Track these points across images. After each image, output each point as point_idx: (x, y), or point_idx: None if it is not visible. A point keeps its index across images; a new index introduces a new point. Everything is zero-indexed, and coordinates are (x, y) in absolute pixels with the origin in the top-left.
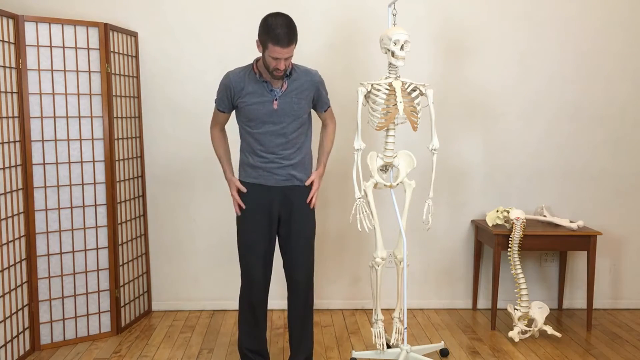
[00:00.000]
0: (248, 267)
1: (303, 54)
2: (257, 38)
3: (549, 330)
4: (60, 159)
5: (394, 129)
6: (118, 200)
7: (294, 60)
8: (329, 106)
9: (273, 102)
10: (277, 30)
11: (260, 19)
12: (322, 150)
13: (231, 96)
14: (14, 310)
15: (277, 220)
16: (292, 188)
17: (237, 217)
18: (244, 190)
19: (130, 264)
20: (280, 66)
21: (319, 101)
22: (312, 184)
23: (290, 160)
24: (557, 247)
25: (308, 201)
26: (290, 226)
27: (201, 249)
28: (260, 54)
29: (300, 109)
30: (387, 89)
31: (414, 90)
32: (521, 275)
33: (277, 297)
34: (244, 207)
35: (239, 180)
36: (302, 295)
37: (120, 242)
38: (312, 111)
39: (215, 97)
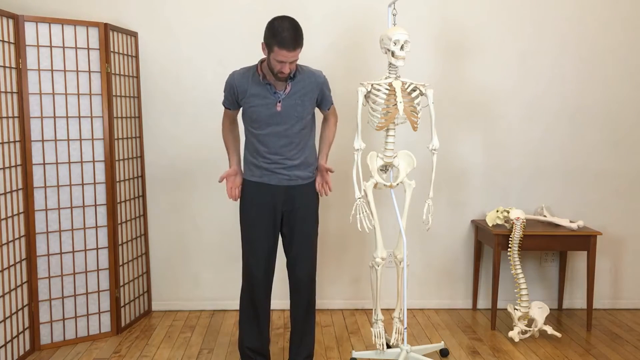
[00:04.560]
0: (250, 265)
1: (303, 54)
2: (262, 40)
3: (549, 330)
4: (60, 159)
5: (394, 129)
6: (118, 200)
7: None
8: (332, 104)
9: (276, 105)
10: (284, 33)
11: (262, 19)
12: (323, 141)
13: (235, 96)
14: (14, 310)
15: (280, 219)
16: (295, 187)
17: (241, 216)
18: (239, 182)
19: (130, 264)
20: (284, 69)
21: (323, 101)
22: (316, 180)
23: (293, 161)
24: (557, 247)
25: (318, 188)
26: (293, 225)
27: (201, 249)
28: (264, 56)
29: (303, 111)
30: (387, 89)
31: (414, 90)
32: (521, 275)
33: (278, 297)
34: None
35: (244, 178)
36: (304, 295)
37: (120, 242)
38: (316, 109)
39: (223, 98)
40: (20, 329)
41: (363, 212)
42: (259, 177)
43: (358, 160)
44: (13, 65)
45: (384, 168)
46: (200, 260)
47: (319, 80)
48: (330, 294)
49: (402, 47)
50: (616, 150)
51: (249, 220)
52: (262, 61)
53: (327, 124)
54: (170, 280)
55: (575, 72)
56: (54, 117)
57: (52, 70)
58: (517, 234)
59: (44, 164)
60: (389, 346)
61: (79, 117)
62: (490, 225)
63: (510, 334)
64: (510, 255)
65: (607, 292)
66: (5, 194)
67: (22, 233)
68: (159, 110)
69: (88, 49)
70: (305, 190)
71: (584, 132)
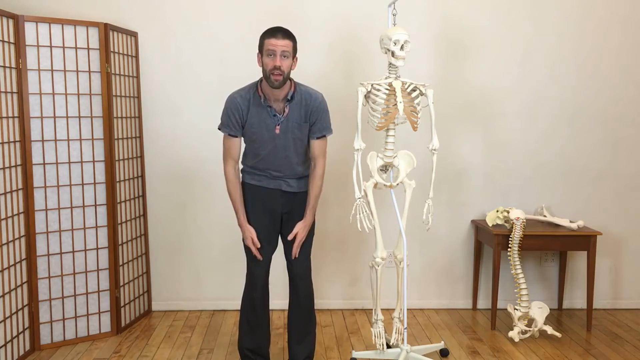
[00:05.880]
0: (252, 265)
1: (304, 54)
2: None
3: (549, 330)
4: (60, 159)
5: (394, 129)
6: (118, 200)
7: (296, 71)
8: (324, 135)
9: (275, 128)
10: (273, 27)
11: (261, 19)
12: (309, 197)
13: (241, 118)
14: (14, 310)
15: (280, 220)
16: (292, 193)
17: None
18: (258, 245)
19: (130, 264)
20: (276, 62)
21: (315, 125)
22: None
23: (292, 176)
24: (557, 247)
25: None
26: (292, 225)
27: (201, 249)
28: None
29: (301, 133)
30: (387, 89)
31: (414, 90)
32: (521, 275)
33: (277, 297)
34: (258, 250)
35: (243, 181)
36: (303, 295)
37: (120, 242)
38: None
39: (220, 125)
40: (20, 329)
41: (363, 212)
42: (257, 181)
43: (358, 160)
44: (13, 65)
45: (384, 168)
46: (200, 260)
47: (315, 103)
48: (330, 294)
49: (402, 47)
50: (616, 150)
51: (250, 220)
52: (261, 80)
53: (314, 177)
54: (170, 281)
55: (575, 72)
56: (54, 117)
57: (52, 70)
58: (517, 234)
59: (44, 164)
60: (389, 346)
61: (79, 117)
62: (490, 225)
63: (510, 334)
64: (510, 255)
65: (607, 292)
66: (5, 194)
67: (22, 233)
68: (159, 110)
69: (88, 49)
70: (303, 195)
71: (584, 132)
